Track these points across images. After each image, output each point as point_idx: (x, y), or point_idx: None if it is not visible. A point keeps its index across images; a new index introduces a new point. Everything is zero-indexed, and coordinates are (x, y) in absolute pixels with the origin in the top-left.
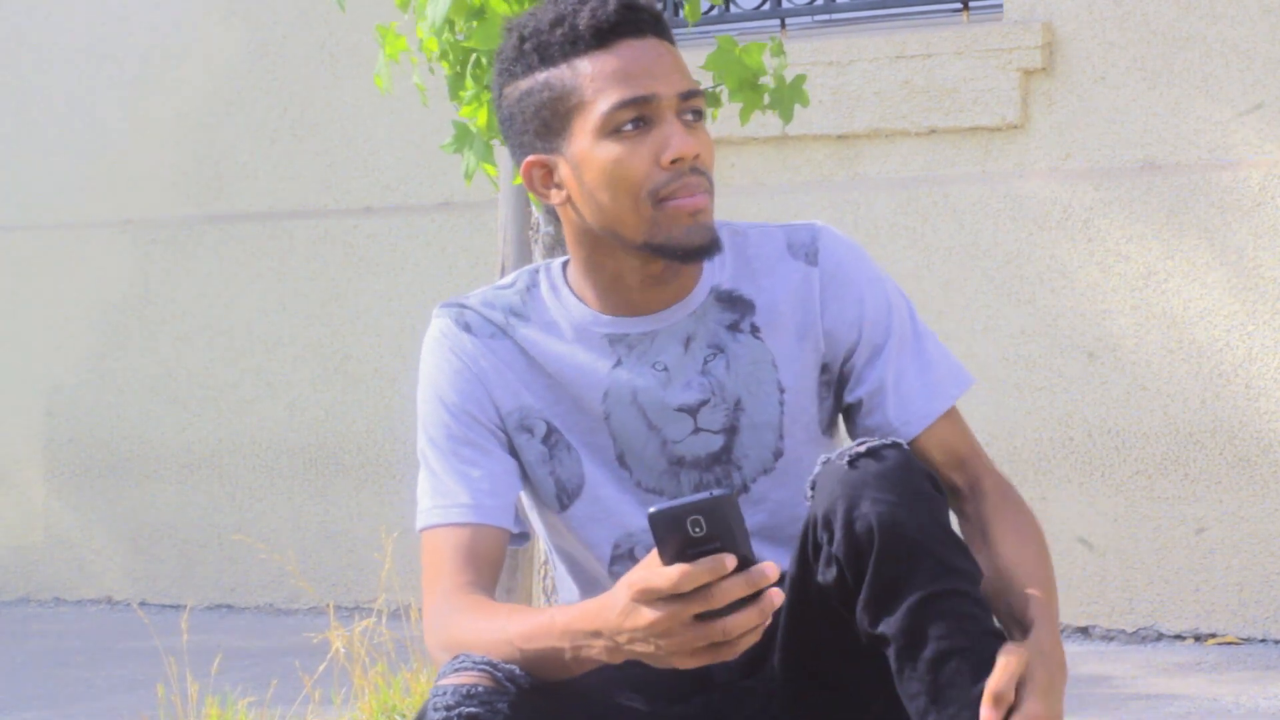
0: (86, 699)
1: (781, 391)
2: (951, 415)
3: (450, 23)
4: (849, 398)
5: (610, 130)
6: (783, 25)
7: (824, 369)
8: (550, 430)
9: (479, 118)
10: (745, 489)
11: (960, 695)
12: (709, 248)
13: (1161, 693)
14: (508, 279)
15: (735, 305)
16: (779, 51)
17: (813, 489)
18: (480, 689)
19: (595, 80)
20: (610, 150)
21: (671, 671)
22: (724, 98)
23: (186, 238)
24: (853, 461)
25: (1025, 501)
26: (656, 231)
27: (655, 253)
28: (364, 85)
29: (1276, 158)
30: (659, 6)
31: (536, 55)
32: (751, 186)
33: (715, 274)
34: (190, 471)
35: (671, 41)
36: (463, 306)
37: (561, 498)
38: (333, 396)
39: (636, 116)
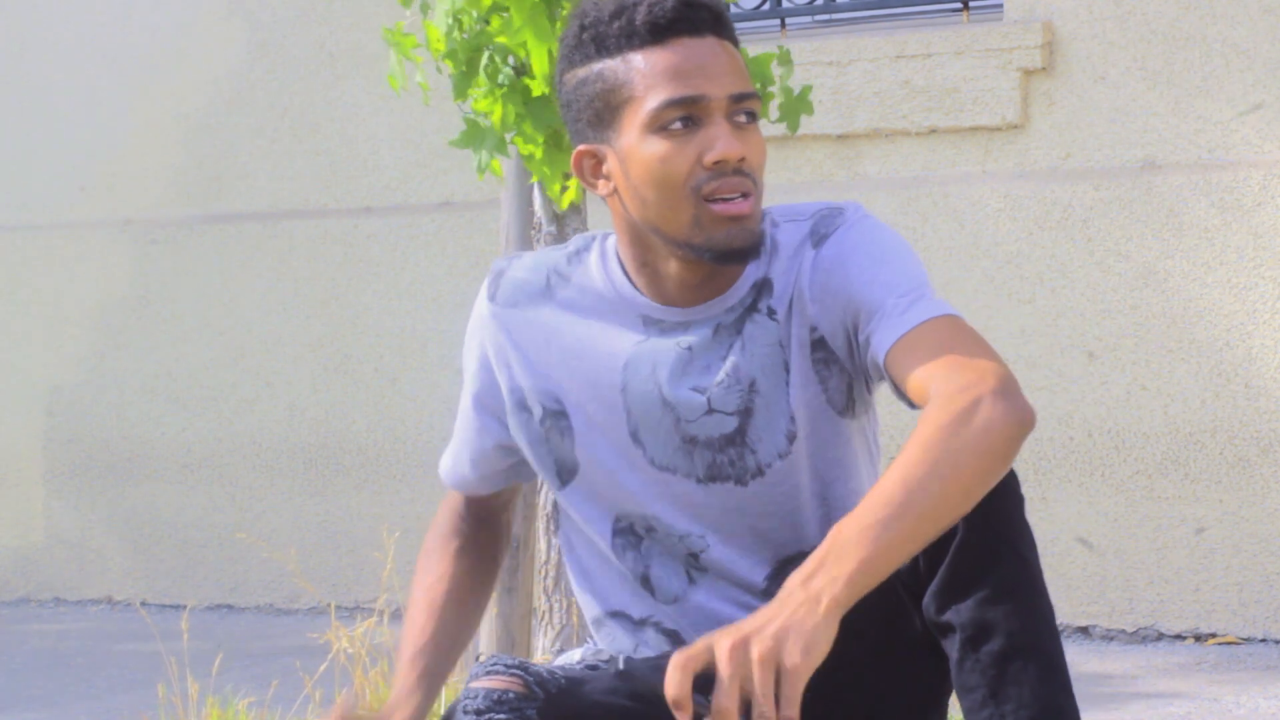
0: (86, 699)
1: (788, 372)
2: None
3: (458, 21)
4: (865, 356)
5: (657, 127)
6: (783, 25)
7: (815, 346)
8: (547, 413)
9: (494, 113)
10: (761, 473)
11: (1019, 694)
12: (749, 251)
13: (1161, 693)
14: (568, 244)
15: (761, 289)
16: (786, 60)
17: None
18: (511, 694)
19: (647, 76)
20: (656, 147)
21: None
22: None
23: (186, 238)
24: None
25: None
26: (697, 232)
27: (695, 253)
28: (364, 85)
29: (1276, 158)
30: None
31: (594, 45)
32: None
33: (756, 270)
34: (190, 471)
35: (733, 41)
36: (504, 271)
37: (561, 476)
38: (333, 396)
39: (685, 115)
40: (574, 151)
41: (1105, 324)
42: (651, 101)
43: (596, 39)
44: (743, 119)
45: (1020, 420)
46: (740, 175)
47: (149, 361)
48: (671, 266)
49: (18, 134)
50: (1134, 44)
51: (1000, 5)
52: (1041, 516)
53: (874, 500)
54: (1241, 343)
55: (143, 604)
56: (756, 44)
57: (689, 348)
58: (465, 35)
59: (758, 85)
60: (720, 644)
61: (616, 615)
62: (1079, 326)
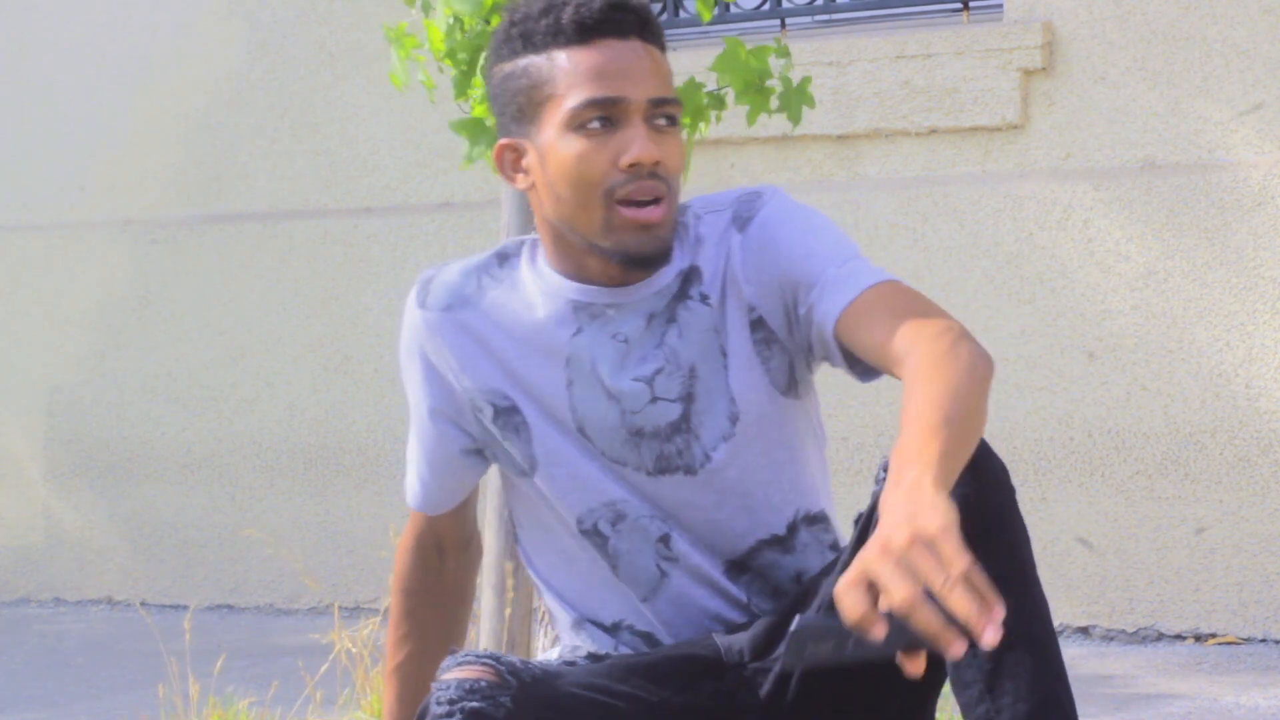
0: (86, 699)
1: (725, 356)
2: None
3: (459, 21)
4: (808, 330)
5: (575, 126)
6: (783, 25)
7: (755, 326)
8: (499, 412)
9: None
10: (708, 458)
11: (1015, 687)
12: (657, 259)
13: (1161, 693)
14: (497, 246)
15: (689, 277)
16: (784, 54)
17: (885, 471)
18: (483, 683)
19: (569, 74)
20: (573, 145)
21: (682, 659)
22: (729, 100)
23: (186, 238)
24: None
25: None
26: (606, 235)
27: (603, 254)
28: (364, 85)
29: (1276, 158)
30: (658, 7)
31: (521, 41)
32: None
33: (680, 260)
34: (190, 471)
35: (659, 45)
36: (433, 278)
37: (523, 470)
38: (333, 396)
39: (603, 116)
40: (496, 144)
41: (1105, 324)
42: (572, 100)
43: (524, 35)
44: (662, 123)
45: (988, 359)
46: (655, 179)
47: (149, 361)
48: (590, 261)
49: (18, 134)
50: (1134, 44)
51: (1000, 5)
52: (1041, 516)
53: (919, 415)
54: (1241, 343)
55: (143, 604)
56: (757, 44)
57: (625, 340)
58: (467, 35)
59: (756, 79)
60: (864, 557)
61: (590, 621)
62: (1079, 326)
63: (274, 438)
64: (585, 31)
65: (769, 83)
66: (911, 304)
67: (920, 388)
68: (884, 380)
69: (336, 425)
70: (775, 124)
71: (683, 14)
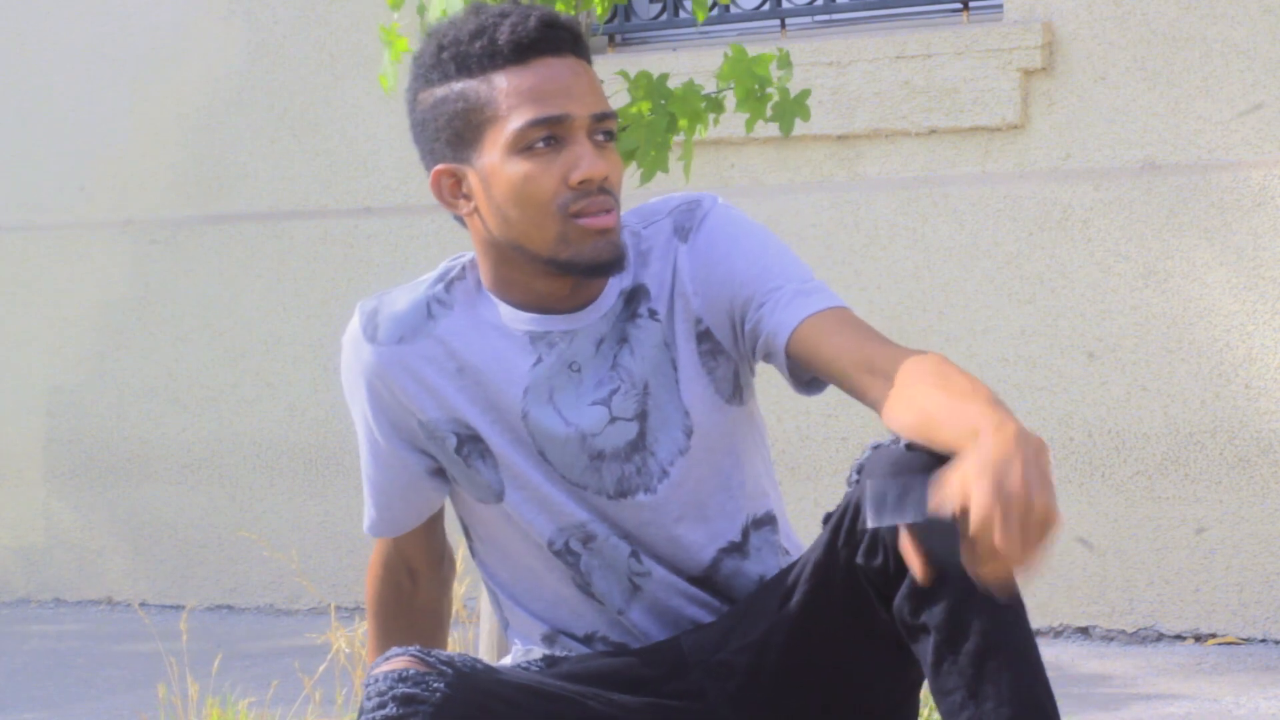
0: (86, 699)
1: (675, 369)
2: (832, 316)
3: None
4: (754, 342)
5: (521, 147)
6: (783, 25)
7: (702, 338)
8: (462, 441)
9: None
10: (666, 474)
11: (997, 692)
12: (614, 264)
13: (1161, 693)
14: (433, 273)
15: (635, 295)
16: (786, 63)
17: (859, 473)
18: (412, 671)
19: (510, 96)
20: (520, 167)
21: (641, 664)
22: (728, 105)
23: (186, 238)
24: (910, 445)
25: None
26: (563, 247)
27: (560, 268)
28: (364, 85)
29: (1276, 158)
30: (659, 8)
31: (454, 65)
32: (751, 187)
33: (621, 279)
34: (190, 471)
35: (589, 61)
36: (377, 309)
37: (490, 496)
38: (333, 396)
39: (548, 135)
40: (431, 172)
41: (1105, 324)
42: (515, 121)
43: (457, 58)
44: (601, 138)
45: None
46: (604, 194)
47: (149, 362)
48: (537, 282)
49: (18, 134)
50: (1134, 44)
51: (1000, 5)
52: None
53: (974, 393)
54: (1241, 343)
55: (142, 604)
56: (756, 44)
57: (579, 369)
58: None
59: (755, 86)
60: (1036, 503)
61: (563, 634)
62: (1079, 326)
63: (274, 438)
64: (523, 51)
65: (768, 90)
66: (875, 332)
67: (955, 386)
68: None
69: (336, 425)
70: (775, 124)
71: (682, 14)
